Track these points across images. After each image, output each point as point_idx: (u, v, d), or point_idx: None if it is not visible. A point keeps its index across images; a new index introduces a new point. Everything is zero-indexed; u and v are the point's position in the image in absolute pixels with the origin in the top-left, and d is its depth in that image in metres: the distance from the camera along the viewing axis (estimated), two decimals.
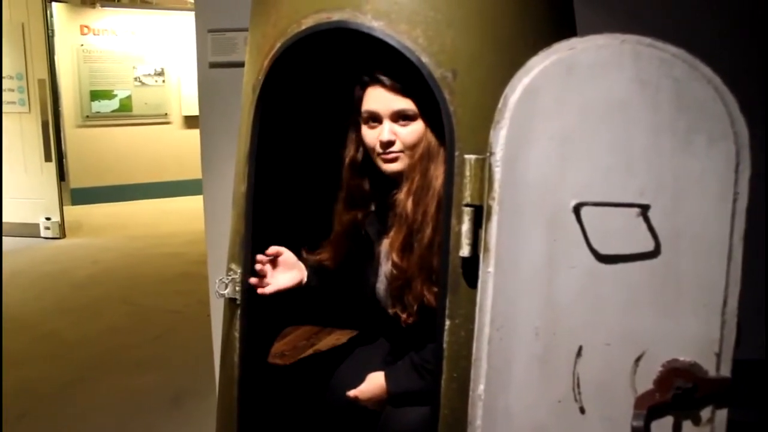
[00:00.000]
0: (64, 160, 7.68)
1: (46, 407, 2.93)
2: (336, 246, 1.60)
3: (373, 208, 1.58)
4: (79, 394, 3.06)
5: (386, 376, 1.47)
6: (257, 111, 1.37)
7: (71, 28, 7.74)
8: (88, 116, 7.89)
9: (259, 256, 1.47)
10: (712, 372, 1.09)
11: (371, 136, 1.44)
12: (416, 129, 1.39)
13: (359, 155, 1.52)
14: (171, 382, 3.16)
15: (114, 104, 8.03)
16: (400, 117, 1.39)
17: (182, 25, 8.06)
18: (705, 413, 1.11)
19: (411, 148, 1.39)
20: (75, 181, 7.89)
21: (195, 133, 8.70)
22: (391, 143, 1.40)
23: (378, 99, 1.41)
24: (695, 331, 1.09)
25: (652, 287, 1.10)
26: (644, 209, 1.08)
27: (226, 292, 1.43)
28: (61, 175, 6.64)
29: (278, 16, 1.32)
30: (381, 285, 1.55)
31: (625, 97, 1.07)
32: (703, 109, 1.06)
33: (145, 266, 5.31)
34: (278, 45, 1.30)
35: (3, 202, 6.09)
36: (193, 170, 8.20)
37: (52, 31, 7.38)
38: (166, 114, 8.35)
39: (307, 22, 1.25)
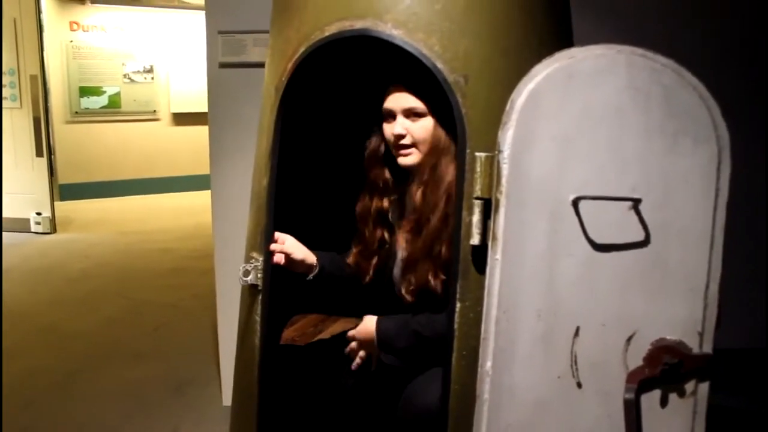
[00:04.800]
0: (52, 155, 7.67)
1: (51, 396, 2.98)
2: (366, 236, 1.72)
3: (395, 197, 1.72)
4: (82, 383, 3.12)
5: (378, 319, 1.61)
6: (280, 110, 1.47)
7: (60, 25, 7.74)
8: (77, 112, 7.90)
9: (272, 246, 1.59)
10: (696, 349, 1.22)
11: (388, 130, 1.60)
12: (425, 125, 1.54)
13: (382, 148, 1.68)
14: (171, 372, 3.22)
15: (103, 101, 8.04)
16: (411, 113, 1.55)
17: (171, 23, 8.11)
18: (689, 386, 1.23)
19: (421, 142, 1.55)
20: (63, 176, 7.88)
21: (183, 130, 8.62)
22: (401, 136, 1.56)
23: (394, 98, 1.57)
24: (681, 312, 1.21)
25: (643, 273, 1.21)
26: (636, 203, 1.20)
27: (248, 279, 1.54)
28: (50, 170, 6.65)
29: (301, 22, 1.42)
30: (397, 270, 1.66)
31: (620, 102, 1.19)
32: (689, 114, 1.19)
33: (137, 261, 5.35)
34: (302, 49, 1.40)
35: None
36: (181, 167, 8.30)
37: (42, 27, 7.38)
38: (154, 111, 8.38)
39: (331, 29, 1.36)
